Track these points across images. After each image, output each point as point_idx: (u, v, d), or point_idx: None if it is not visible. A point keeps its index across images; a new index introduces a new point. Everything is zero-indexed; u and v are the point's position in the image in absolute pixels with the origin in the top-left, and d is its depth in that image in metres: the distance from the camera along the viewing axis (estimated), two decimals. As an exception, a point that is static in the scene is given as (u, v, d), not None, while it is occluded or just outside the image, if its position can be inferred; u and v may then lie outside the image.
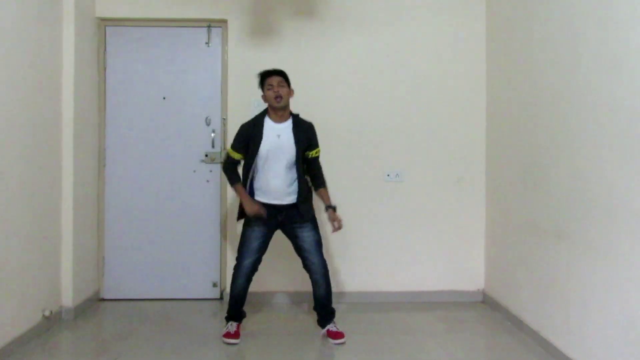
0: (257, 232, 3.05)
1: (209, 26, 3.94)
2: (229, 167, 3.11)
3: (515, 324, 3.36)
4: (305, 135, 3.06)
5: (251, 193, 3.06)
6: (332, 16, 3.92)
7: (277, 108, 3.00)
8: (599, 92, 2.49)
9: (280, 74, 3.04)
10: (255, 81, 3.86)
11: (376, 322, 3.48)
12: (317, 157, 3.15)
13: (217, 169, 3.95)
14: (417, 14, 3.96)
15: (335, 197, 3.94)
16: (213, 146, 3.94)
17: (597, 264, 2.50)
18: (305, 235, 3.07)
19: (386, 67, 3.95)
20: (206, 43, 3.96)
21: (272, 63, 3.86)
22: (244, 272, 3.08)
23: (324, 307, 3.15)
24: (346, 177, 3.91)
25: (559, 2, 2.89)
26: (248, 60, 3.89)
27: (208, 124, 3.94)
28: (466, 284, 3.98)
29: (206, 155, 3.94)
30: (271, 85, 3.00)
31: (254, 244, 3.06)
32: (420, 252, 3.96)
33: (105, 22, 3.91)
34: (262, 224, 3.04)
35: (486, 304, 3.87)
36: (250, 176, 3.05)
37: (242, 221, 3.16)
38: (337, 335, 3.09)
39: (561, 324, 2.82)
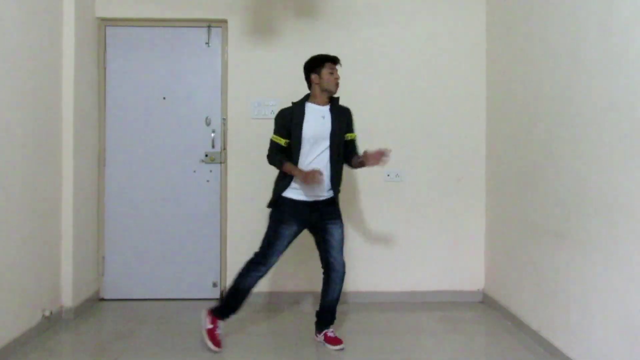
0: (290, 231, 2.93)
1: (209, 26, 3.94)
2: (274, 152, 2.96)
3: (515, 324, 3.36)
4: (344, 117, 3.05)
5: (287, 190, 2.93)
6: (332, 16, 3.93)
7: (330, 93, 3.00)
8: (599, 92, 2.49)
9: (339, 63, 3.05)
10: (255, 81, 3.91)
11: (376, 322, 3.48)
12: (354, 141, 3.12)
13: (217, 168, 3.95)
14: (417, 13, 3.96)
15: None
16: (213, 146, 3.94)
17: (597, 264, 2.50)
18: (336, 231, 3.00)
19: (386, 67, 3.96)
20: (206, 43, 3.96)
21: (272, 63, 3.89)
22: (266, 269, 2.94)
23: (330, 310, 3.07)
24: (346, 176, 3.89)
25: (559, 2, 2.89)
26: (248, 60, 3.90)
27: (208, 124, 3.94)
28: (466, 284, 3.98)
29: (206, 155, 3.94)
30: (333, 70, 3.00)
31: (284, 243, 2.94)
32: (421, 252, 3.96)
33: (105, 22, 3.91)
34: (298, 223, 2.94)
35: (486, 304, 3.87)
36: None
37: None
38: (337, 341, 3.03)
39: (561, 324, 2.82)
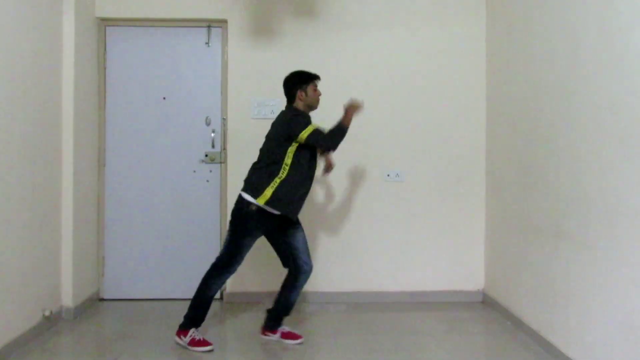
0: (252, 242, 2.97)
1: (209, 26, 3.94)
2: (324, 132, 2.90)
3: (515, 324, 3.36)
4: None
5: (277, 199, 2.85)
6: (332, 16, 3.92)
7: (313, 109, 3.04)
8: (599, 92, 2.49)
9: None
10: (255, 81, 3.91)
11: (376, 322, 3.48)
12: None
13: (217, 169, 3.95)
14: (417, 14, 3.96)
15: (336, 197, 3.95)
16: (213, 146, 3.94)
17: (597, 264, 2.50)
18: (299, 234, 3.05)
19: (386, 67, 3.95)
20: (206, 43, 3.96)
21: (272, 63, 3.89)
22: (228, 276, 3.03)
23: (290, 307, 3.09)
24: (346, 176, 3.91)
25: (558, 2, 2.89)
26: (248, 60, 3.90)
27: (208, 124, 3.94)
28: (466, 284, 3.98)
29: (206, 155, 3.94)
30: (316, 87, 3.02)
31: (246, 252, 2.98)
32: (420, 252, 3.96)
33: (105, 22, 3.91)
34: (261, 233, 3.01)
35: (486, 304, 3.87)
36: (285, 178, 2.87)
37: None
38: (296, 335, 3.08)
39: (561, 324, 2.82)
